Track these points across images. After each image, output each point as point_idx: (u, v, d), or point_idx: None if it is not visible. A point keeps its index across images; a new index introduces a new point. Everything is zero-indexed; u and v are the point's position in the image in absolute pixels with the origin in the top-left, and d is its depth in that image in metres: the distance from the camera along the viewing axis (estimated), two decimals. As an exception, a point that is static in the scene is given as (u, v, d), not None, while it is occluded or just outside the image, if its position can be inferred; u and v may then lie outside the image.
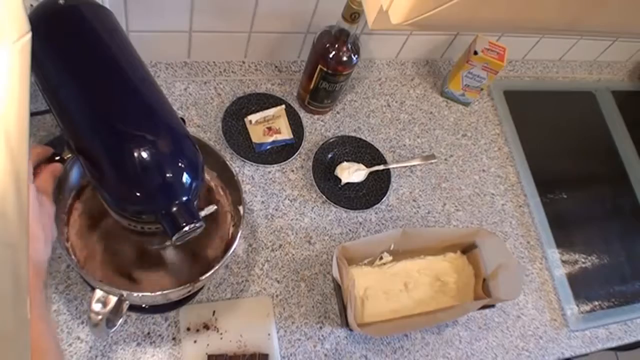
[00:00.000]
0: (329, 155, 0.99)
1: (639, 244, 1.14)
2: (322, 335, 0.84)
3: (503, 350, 0.92)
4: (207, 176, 0.76)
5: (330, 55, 0.89)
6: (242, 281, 0.85)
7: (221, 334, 0.79)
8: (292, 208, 0.93)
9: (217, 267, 0.66)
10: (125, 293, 0.61)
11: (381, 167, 1.00)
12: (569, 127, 1.24)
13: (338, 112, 1.05)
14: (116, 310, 0.61)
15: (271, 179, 0.95)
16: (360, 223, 0.96)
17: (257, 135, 0.96)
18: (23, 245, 0.38)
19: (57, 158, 0.64)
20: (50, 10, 0.56)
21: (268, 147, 0.96)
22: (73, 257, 0.67)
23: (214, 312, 0.80)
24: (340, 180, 0.96)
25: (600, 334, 1.00)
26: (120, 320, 0.65)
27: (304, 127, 1.00)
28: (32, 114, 0.82)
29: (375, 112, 1.08)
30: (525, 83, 1.27)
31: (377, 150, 1.02)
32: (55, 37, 0.56)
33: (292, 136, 0.98)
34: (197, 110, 0.96)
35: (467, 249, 0.94)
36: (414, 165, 1.04)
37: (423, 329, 0.89)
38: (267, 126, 0.97)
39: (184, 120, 0.61)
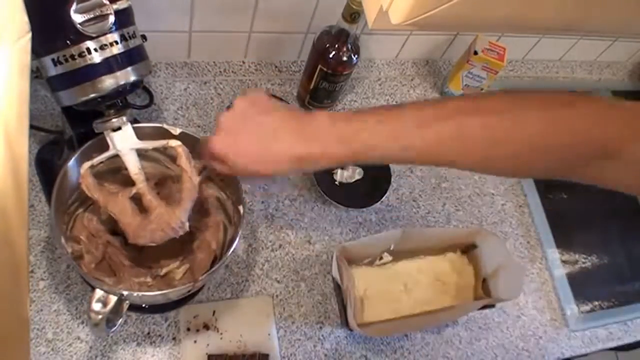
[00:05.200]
0: None
1: (639, 244, 1.14)
2: (322, 335, 0.84)
3: (503, 350, 0.92)
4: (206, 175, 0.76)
5: (330, 55, 0.89)
6: (242, 281, 0.85)
7: (221, 334, 0.79)
8: (292, 208, 0.93)
9: (217, 267, 0.66)
10: (125, 293, 0.61)
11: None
12: (569, 127, 1.24)
13: (338, 112, 1.05)
14: (116, 310, 0.61)
15: (271, 179, 0.95)
16: (360, 223, 0.96)
17: (257, 135, 0.96)
18: (23, 244, 0.38)
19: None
20: None
21: (268, 147, 0.95)
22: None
23: (214, 312, 0.80)
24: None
25: (600, 334, 1.00)
26: (120, 320, 0.65)
27: (304, 127, 1.00)
28: (33, 127, 0.82)
29: (375, 112, 1.08)
30: (525, 83, 1.26)
31: None
32: None
33: (292, 136, 0.97)
34: (197, 110, 0.96)
35: (467, 249, 0.94)
36: (413, 165, 1.04)
37: (423, 329, 0.89)
38: (267, 126, 0.97)
39: (144, 38, 0.61)
